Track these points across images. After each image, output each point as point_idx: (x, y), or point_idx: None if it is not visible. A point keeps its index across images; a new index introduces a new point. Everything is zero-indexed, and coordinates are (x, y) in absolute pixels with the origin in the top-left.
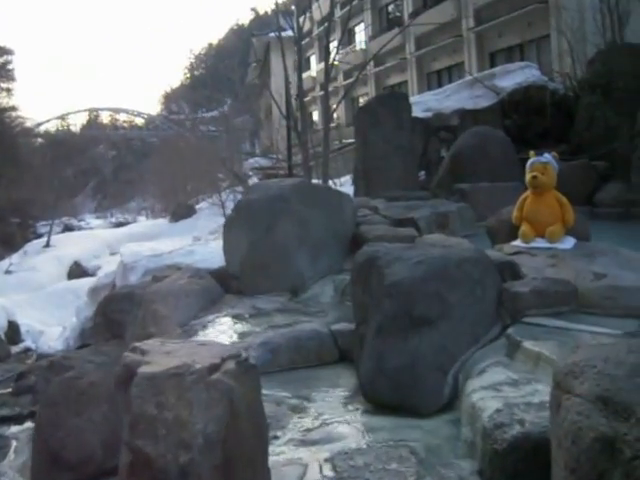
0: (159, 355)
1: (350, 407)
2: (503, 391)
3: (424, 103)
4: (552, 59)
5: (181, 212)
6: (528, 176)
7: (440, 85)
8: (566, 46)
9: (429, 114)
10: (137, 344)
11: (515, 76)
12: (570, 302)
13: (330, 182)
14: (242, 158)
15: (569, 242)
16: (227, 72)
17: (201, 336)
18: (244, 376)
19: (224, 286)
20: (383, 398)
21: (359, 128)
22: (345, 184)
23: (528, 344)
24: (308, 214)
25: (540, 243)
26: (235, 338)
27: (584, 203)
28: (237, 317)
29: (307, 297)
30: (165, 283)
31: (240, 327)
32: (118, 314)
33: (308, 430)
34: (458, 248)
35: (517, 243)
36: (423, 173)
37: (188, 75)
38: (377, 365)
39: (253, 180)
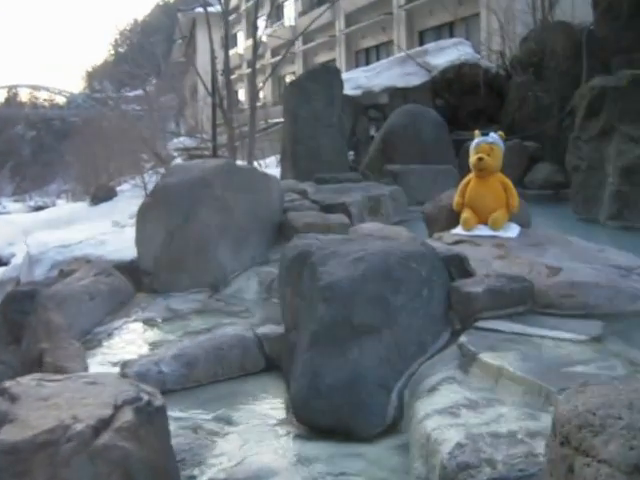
0: (33, 402)
1: (280, 431)
2: (462, 416)
3: (353, 80)
4: (482, 38)
5: (101, 195)
6: (473, 158)
7: (368, 63)
8: (496, 25)
9: (358, 92)
10: (7, 384)
11: (448, 53)
12: (526, 301)
13: (255, 163)
14: (166, 138)
15: (513, 230)
16: (152, 49)
17: (105, 347)
18: (146, 429)
19: (135, 283)
20: (319, 420)
21: (288, 105)
22: (270, 165)
23: (486, 357)
24: (232, 200)
25: (483, 231)
26: (145, 349)
27: (515, 185)
28: (149, 322)
29: (229, 293)
30: (65, 284)
31: (151, 335)
32: (19, 315)
33: (231, 466)
34: (399, 241)
35: (458, 231)
36: (352, 153)
37: (112, 52)
38: (311, 383)
39: (177, 161)
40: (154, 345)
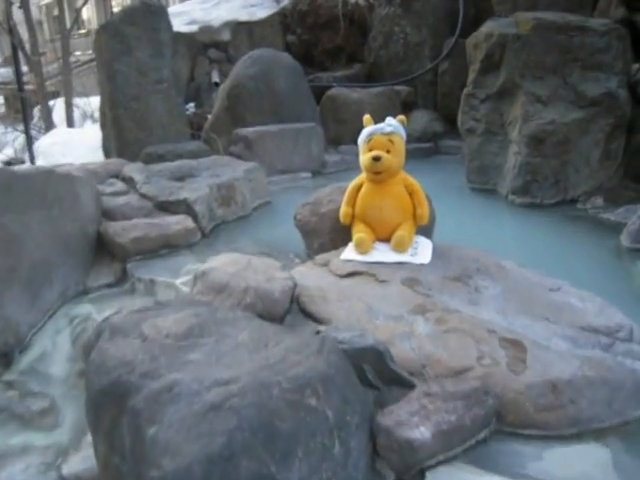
0: None
1: None
2: None
3: (187, 14)
4: None
5: None
6: (365, 157)
7: None
8: None
9: (194, 28)
10: None
11: None
12: (490, 421)
13: (76, 111)
14: None
15: (424, 250)
16: None
17: None
18: None
19: None
20: None
21: (101, 57)
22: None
23: None
24: (16, 225)
25: (385, 254)
26: None
27: None
28: None
29: (26, 367)
30: None
31: None
32: None
33: None
34: (277, 327)
35: (350, 255)
36: (192, 105)
37: None
38: None
39: None
40: None
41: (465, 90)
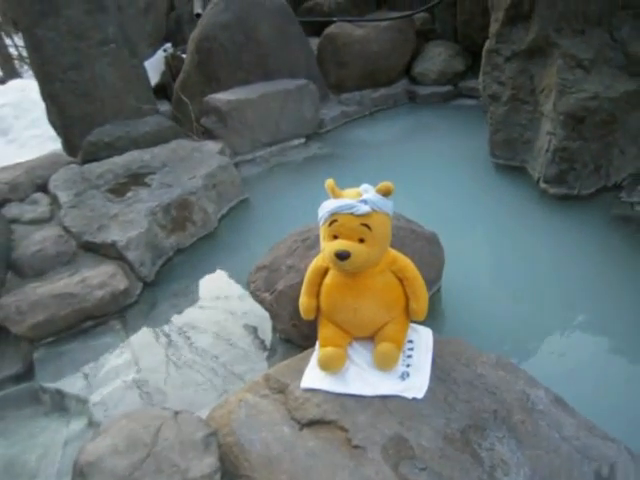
0: None
1: None
2: None
3: None
4: None
5: None
6: (327, 247)
7: None
8: None
9: None
10: None
11: None
12: None
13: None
14: None
15: (421, 358)
16: None
17: None
18: None
19: None
20: None
21: (21, 21)
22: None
23: None
24: None
25: (363, 368)
26: None
27: (402, 77)
28: None
29: None
30: None
31: None
32: None
33: None
34: None
35: (314, 381)
36: (169, 46)
37: None
38: None
39: None
40: None
41: (487, 44)
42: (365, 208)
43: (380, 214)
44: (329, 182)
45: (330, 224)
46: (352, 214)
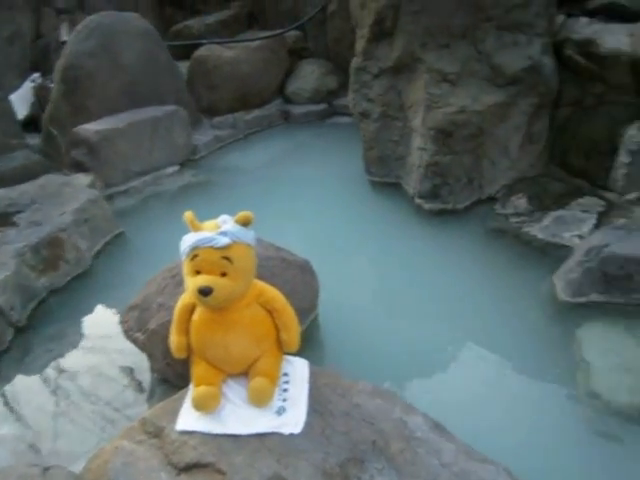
0: None
1: None
2: None
3: None
4: None
5: None
6: (190, 283)
7: None
8: None
9: None
10: None
11: None
12: None
13: None
14: None
15: (296, 391)
16: None
17: None
18: None
19: None
20: None
21: None
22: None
23: None
24: None
25: (238, 406)
26: None
27: (276, 97)
28: None
29: None
30: None
31: None
32: None
33: None
34: None
35: (189, 423)
36: (38, 75)
37: None
38: None
39: None
40: None
41: (353, 62)
42: (224, 240)
43: (241, 245)
44: (187, 215)
45: (192, 259)
46: (212, 247)
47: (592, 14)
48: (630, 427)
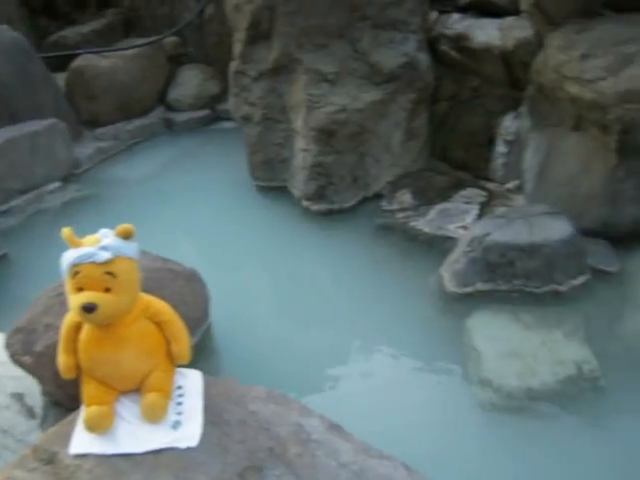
0: None
1: None
2: None
3: None
4: None
5: None
6: (73, 301)
7: None
8: None
9: None
10: None
11: None
12: None
13: None
14: None
15: (191, 404)
16: None
17: None
18: None
19: None
20: None
21: None
22: None
23: None
24: None
25: (132, 423)
26: None
27: (153, 107)
28: None
29: None
30: None
31: None
32: None
33: None
34: None
35: (82, 445)
36: None
37: None
38: None
39: None
40: None
41: (232, 66)
42: (105, 255)
43: (124, 259)
44: (65, 231)
45: (73, 276)
46: (93, 263)
47: (464, 10)
48: (520, 409)
